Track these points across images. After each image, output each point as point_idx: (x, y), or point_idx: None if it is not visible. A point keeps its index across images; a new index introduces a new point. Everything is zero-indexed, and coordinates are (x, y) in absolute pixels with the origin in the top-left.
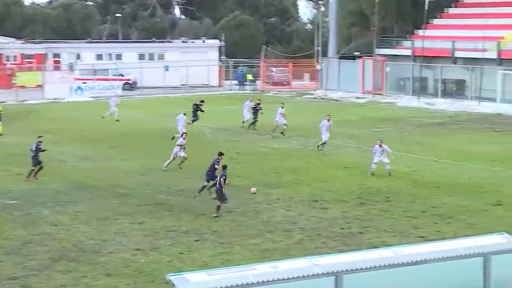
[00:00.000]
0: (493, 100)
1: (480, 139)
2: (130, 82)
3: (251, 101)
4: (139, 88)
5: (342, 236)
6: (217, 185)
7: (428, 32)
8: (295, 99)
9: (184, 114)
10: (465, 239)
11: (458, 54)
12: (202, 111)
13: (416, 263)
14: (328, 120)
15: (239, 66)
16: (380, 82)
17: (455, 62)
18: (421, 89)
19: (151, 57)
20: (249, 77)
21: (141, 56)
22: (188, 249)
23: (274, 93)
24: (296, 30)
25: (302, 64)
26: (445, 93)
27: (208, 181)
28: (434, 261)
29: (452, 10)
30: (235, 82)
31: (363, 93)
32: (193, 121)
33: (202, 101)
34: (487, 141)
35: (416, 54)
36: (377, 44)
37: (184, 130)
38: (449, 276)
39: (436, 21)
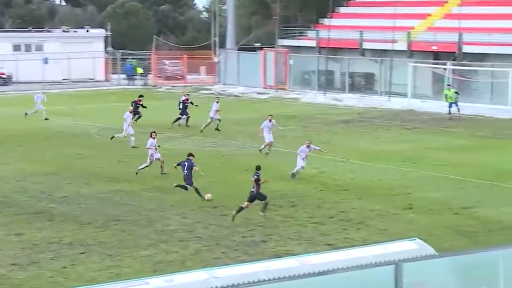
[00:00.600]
0: (403, 95)
1: (391, 137)
2: (3, 76)
3: (217, 102)
4: (14, 83)
5: (243, 245)
6: (253, 188)
7: (334, 22)
8: (191, 95)
9: (131, 112)
10: (376, 246)
11: (366, 45)
12: (144, 106)
13: (324, 273)
14: (270, 121)
15: (128, 58)
16: (283, 76)
17: (363, 54)
18: (327, 83)
19: (28, 49)
20: (139, 70)
21: (16, 47)
22: (73, 262)
23: (167, 89)
24: (190, 19)
25: (197, 57)
26: (353, 88)
27: (190, 185)
28: (343, 271)
29: None
30: (124, 76)
31: (265, 88)
32: (136, 119)
33: (141, 96)
34: (398, 140)
35: (321, 46)
36: (279, 34)
37: (131, 131)
38: (359, 286)
39: (342, 10)
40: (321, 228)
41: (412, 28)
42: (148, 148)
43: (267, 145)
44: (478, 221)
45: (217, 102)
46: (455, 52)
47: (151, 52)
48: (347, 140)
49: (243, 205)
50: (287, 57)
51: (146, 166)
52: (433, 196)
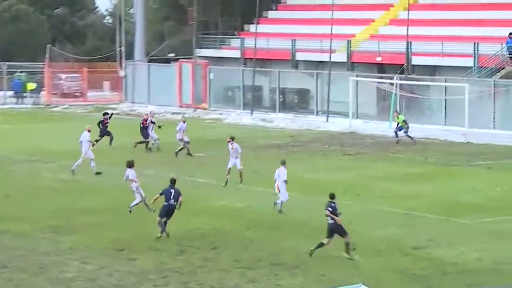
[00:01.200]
0: (344, 115)
1: (329, 164)
2: None
3: (184, 122)
4: None
5: None
6: (330, 222)
7: (262, 28)
8: (93, 116)
9: (89, 131)
10: None
11: (300, 56)
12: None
13: None
14: (183, 121)
15: (16, 72)
16: (203, 92)
17: (296, 67)
18: (254, 101)
19: None
20: (31, 86)
21: None
22: None
23: (64, 108)
24: (91, 25)
25: (100, 70)
26: (285, 107)
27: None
28: None
29: (291, 1)
30: (11, 93)
31: (181, 106)
32: (110, 142)
33: (106, 113)
34: (338, 167)
35: (247, 57)
36: (197, 43)
37: (91, 155)
38: None
39: (271, 14)
40: (248, 273)
41: (353, 36)
42: (131, 180)
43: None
44: (431, 263)
45: (184, 122)
46: (403, 64)
47: (44, 64)
48: None
49: (324, 241)
50: (207, 70)
51: (140, 202)
52: (380, 234)
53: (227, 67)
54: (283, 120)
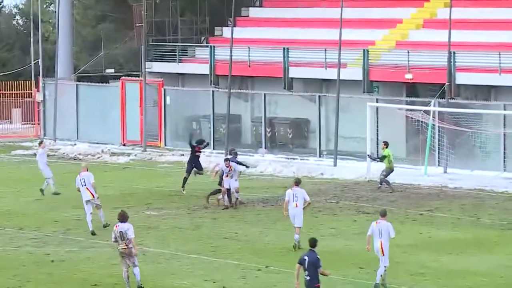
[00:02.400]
0: (359, 156)
1: (340, 227)
2: None
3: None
4: None
5: None
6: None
7: (240, 32)
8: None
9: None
10: None
11: (295, 72)
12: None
13: None
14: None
15: None
16: (156, 124)
17: (290, 87)
18: (230, 137)
19: None
20: None
21: None
22: None
23: None
24: None
25: (7, 92)
26: (275, 145)
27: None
28: None
29: None
30: None
31: (124, 145)
32: None
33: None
34: (352, 231)
35: (219, 73)
36: (148, 54)
37: (48, 175)
38: None
39: (254, 12)
40: None
41: (372, 43)
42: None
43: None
44: None
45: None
46: (443, 84)
47: None
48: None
49: None
50: (162, 93)
51: None
52: None
53: (190, 87)
54: (271, 164)
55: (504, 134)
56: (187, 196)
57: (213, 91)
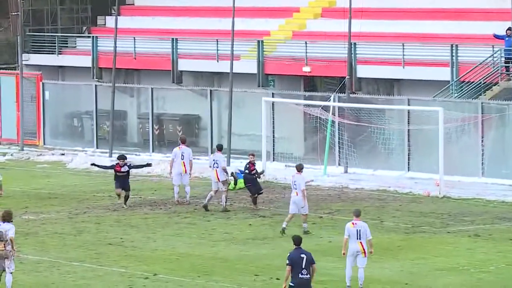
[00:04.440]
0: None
1: (217, 236)
2: None
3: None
4: None
5: None
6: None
7: (125, 21)
8: None
9: None
10: None
11: (184, 64)
12: None
13: None
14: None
15: None
16: (34, 121)
17: (179, 81)
18: (115, 135)
19: None
20: None
21: None
22: None
23: None
24: None
25: None
26: (163, 143)
27: None
28: None
29: None
30: None
31: (0, 143)
32: None
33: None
34: (234, 239)
35: (102, 66)
36: (24, 45)
37: None
38: None
39: (139, 0)
40: None
41: (267, 33)
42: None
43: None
44: None
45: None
46: (344, 78)
47: None
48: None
49: None
50: (40, 87)
51: None
52: None
53: (71, 81)
54: (160, 164)
55: (408, 131)
56: (68, 199)
57: (95, 85)
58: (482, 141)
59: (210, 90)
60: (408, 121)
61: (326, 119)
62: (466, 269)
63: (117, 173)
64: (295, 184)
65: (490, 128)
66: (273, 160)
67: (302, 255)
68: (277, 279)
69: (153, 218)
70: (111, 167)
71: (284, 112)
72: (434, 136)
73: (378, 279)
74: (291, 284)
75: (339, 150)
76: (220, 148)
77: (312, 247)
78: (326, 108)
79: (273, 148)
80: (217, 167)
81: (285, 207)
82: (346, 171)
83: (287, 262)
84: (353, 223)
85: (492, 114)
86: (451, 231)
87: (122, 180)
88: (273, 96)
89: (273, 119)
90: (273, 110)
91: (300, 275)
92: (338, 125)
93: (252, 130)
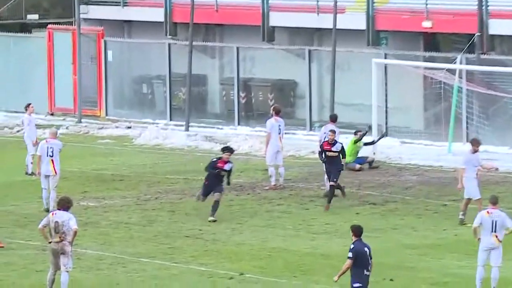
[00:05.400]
0: (362, 128)
1: (337, 223)
2: None
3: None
4: None
5: None
6: None
7: None
8: None
9: None
10: None
11: (277, 19)
12: None
13: None
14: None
15: None
16: (95, 88)
17: (271, 39)
18: (192, 105)
19: None
20: None
21: None
22: None
23: None
24: None
25: None
26: (251, 115)
27: None
28: None
29: None
30: None
31: (53, 114)
32: None
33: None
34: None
35: (177, 20)
36: None
37: None
38: None
39: None
40: None
41: None
42: None
43: None
44: None
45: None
46: (473, 35)
47: None
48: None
49: None
50: (102, 46)
51: None
52: None
53: (139, 39)
54: (247, 140)
55: None
56: (136, 182)
57: (169, 44)
58: None
59: (309, 50)
60: None
61: (451, 85)
62: None
63: (216, 170)
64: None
65: None
66: (386, 135)
67: (366, 249)
68: (391, 280)
69: (239, 206)
70: (212, 166)
71: (399, 76)
72: None
73: None
74: (357, 285)
75: (467, 123)
76: (334, 118)
77: (434, 241)
78: (451, 72)
79: (386, 121)
80: None
81: (399, 192)
82: None
83: (350, 255)
84: (488, 212)
85: None
86: None
87: (214, 181)
88: (385, 57)
89: (386, 86)
90: (385, 74)
91: (365, 272)
92: (466, 93)
93: (359, 99)
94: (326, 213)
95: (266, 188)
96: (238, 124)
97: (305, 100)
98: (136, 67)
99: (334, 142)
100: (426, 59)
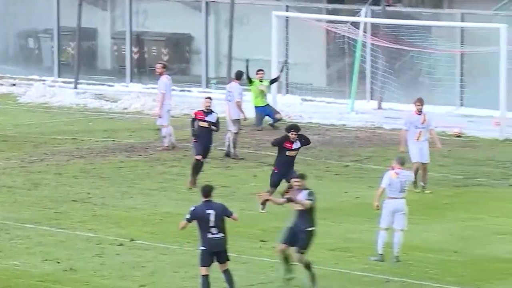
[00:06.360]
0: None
1: (215, 179)
2: None
3: None
4: None
5: None
6: None
7: None
8: None
9: None
10: None
11: None
12: None
13: None
14: None
15: None
16: None
17: None
18: (81, 60)
19: None
20: None
21: None
22: None
23: None
24: None
25: None
26: (144, 71)
27: None
28: None
29: None
30: None
31: None
32: None
33: None
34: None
35: None
36: None
37: None
38: None
39: None
40: None
41: None
42: None
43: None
44: None
45: None
46: None
47: None
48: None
49: None
50: None
51: None
52: None
53: None
54: (139, 98)
55: (461, 55)
56: (21, 143)
57: None
58: None
59: (206, 2)
60: (461, 42)
61: (355, 39)
62: None
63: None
64: None
65: None
66: (287, 93)
67: (209, 211)
68: None
69: (130, 168)
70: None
71: (300, 30)
72: (494, 61)
73: (419, 246)
74: (202, 248)
75: (371, 80)
76: (238, 76)
77: (335, 204)
78: (355, 25)
79: (286, 78)
80: (230, 101)
81: (301, 153)
82: (380, 107)
83: (187, 216)
84: (396, 173)
85: None
86: None
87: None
88: (287, 10)
89: (287, 40)
90: (286, 28)
91: (208, 235)
92: (371, 48)
93: (259, 54)
94: (223, 175)
95: (159, 149)
96: (130, 81)
97: (201, 56)
98: (21, 20)
99: (209, 112)
100: (329, 12)
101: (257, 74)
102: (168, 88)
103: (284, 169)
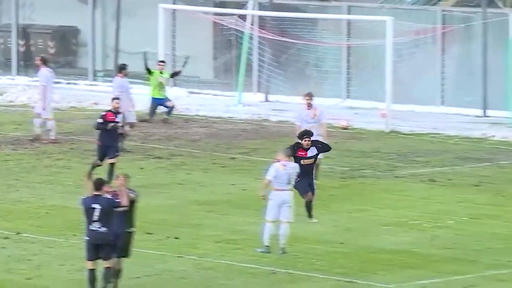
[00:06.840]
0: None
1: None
2: None
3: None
4: None
5: None
6: None
7: None
8: None
9: None
10: None
11: None
12: None
13: None
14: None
15: None
16: None
17: None
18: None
19: None
20: None
21: None
22: None
23: None
24: None
25: None
26: (30, 64)
27: None
28: None
29: None
30: None
31: None
32: None
33: None
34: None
35: None
36: None
37: None
38: None
39: None
40: None
41: None
42: None
43: None
44: None
45: None
46: None
47: None
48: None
49: None
50: None
51: None
52: None
53: None
54: (25, 91)
55: (348, 48)
56: None
57: None
58: (443, 60)
59: None
60: (347, 35)
61: (242, 32)
62: (418, 224)
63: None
64: None
65: (452, 43)
66: (174, 85)
67: (94, 205)
68: (176, 238)
69: (16, 161)
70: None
71: (188, 23)
72: (380, 54)
73: (306, 237)
74: (86, 238)
75: (258, 73)
76: (120, 69)
77: (221, 196)
78: (243, 18)
79: (173, 71)
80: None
81: (186, 145)
82: (266, 99)
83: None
84: (283, 165)
85: (454, 25)
86: (400, 175)
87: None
88: (174, 3)
89: (174, 33)
90: (173, 20)
91: (91, 227)
92: (258, 40)
93: (146, 47)
94: (107, 168)
95: (45, 142)
96: (17, 74)
97: (88, 49)
98: None
99: (117, 112)
100: (216, 4)
101: (158, 65)
102: (49, 81)
103: (304, 179)
